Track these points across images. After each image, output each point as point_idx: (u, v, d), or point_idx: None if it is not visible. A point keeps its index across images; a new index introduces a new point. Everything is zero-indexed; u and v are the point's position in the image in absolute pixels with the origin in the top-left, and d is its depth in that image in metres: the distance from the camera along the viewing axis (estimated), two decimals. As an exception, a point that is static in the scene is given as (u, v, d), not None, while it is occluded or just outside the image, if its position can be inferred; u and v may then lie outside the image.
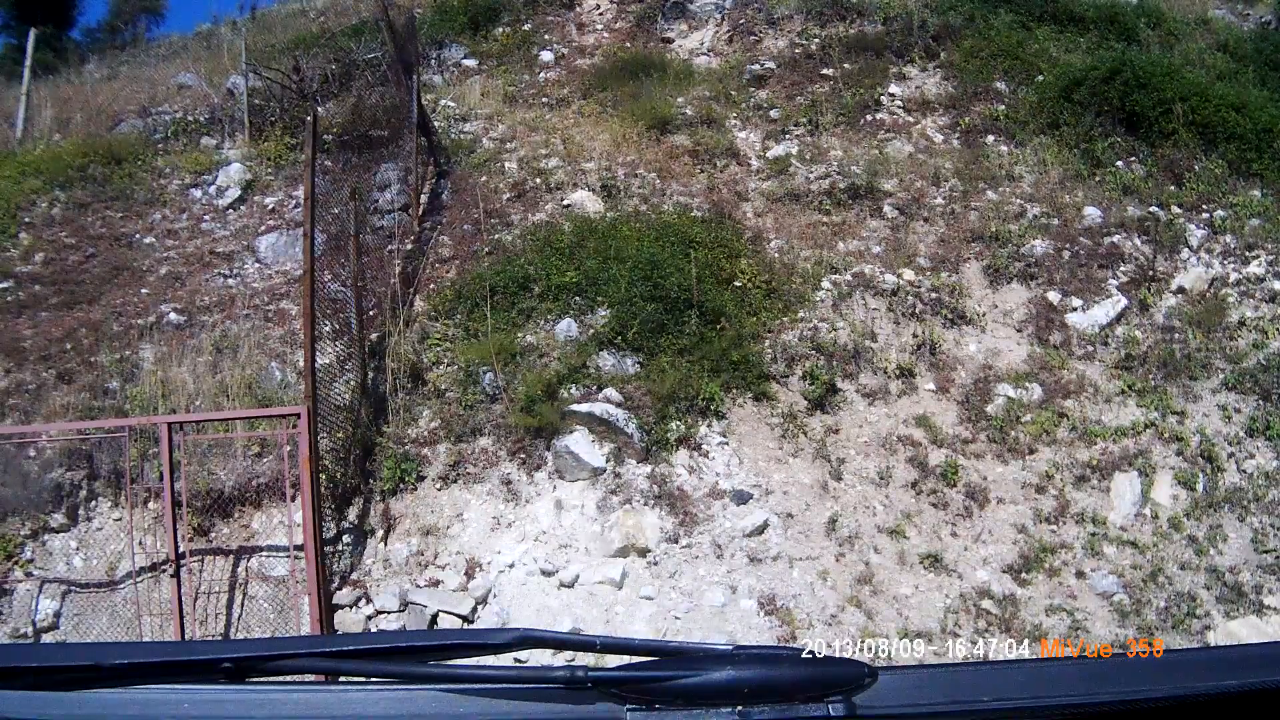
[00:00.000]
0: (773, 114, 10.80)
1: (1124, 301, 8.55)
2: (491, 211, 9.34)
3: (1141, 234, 9.13)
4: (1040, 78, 10.79)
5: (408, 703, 1.12)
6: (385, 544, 6.75)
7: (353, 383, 7.35)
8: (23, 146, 11.00)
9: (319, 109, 9.26)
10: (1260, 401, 7.70)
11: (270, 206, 9.79)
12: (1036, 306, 8.56)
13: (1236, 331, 8.30)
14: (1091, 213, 9.27)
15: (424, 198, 9.57)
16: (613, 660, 1.18)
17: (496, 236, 8.95)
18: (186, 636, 6.05)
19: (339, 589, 6.50)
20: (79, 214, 9.61)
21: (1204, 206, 9.35)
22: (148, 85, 12.74)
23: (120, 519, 6.87)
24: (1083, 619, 6.33)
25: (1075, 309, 8.52)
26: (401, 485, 6.96)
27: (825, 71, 11.30)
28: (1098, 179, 9.69)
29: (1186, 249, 9.02)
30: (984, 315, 8.52)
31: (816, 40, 11.86)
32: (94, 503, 7.00)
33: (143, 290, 8.72)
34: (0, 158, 10.52)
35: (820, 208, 9.44)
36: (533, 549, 6.53)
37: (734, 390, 7.48)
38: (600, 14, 13.56)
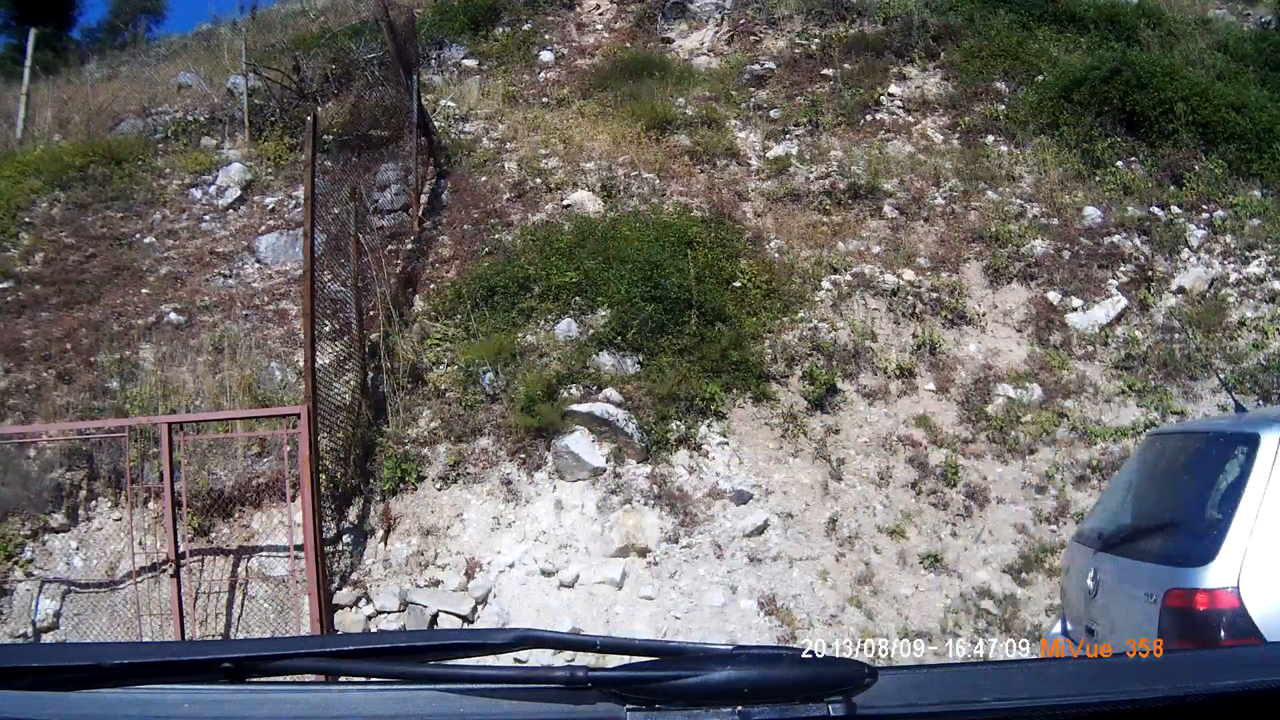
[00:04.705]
0: (773, 114, 10.79)
1: (1124, 301, 8.55)
2: (491, 211, 9.34)
3: (1141, 234, 9.13)
4: (1040, 78, 10.78)
5: (408, 703, 1.12)
6: (385, 544, 6.75)
7: (353, 383, 7.35)
8: (23, 146, 10.99)
9: (319, 109, 9.25)
10: (1260, 401, 7.69)
11: (270, 206, 9.79)
12: (1036, 306, 8.56)
13: (1236, 331, 8.30)
14: (1091, 213, 9.27)
15: (424, 198, 9.57)
16: (613, 660, 1.18)
17: (496, 236, 8.95)
18: (186, 636, 6.06)
19: (339, 589, 6.50)
20: (79, 214, 9.60)
21: (1204, 206, 9.35)
22: (148, 85, 12.72)
23: (120, 519, 6.87)
24: (1083, 619, 6.33)
25: (1075, 309, 8.52)
26: (401, 485, 6.96)
27: (825, 71, 11.30)
28: (1098, 179, 9.68)
29: (1186, 249, 9.01)
30: (984, 315, 8.52)
31: (816, 40, 11.85)
32: (94, 503, 7.00)
33: (143, 290, 8.71)
34: (0, 158, 10.51)
35: (820, 208, 9.43)
36: (533, 549, 6.54)
37: (734, 390, 7.48)
38: (600, 14, 13.55)
